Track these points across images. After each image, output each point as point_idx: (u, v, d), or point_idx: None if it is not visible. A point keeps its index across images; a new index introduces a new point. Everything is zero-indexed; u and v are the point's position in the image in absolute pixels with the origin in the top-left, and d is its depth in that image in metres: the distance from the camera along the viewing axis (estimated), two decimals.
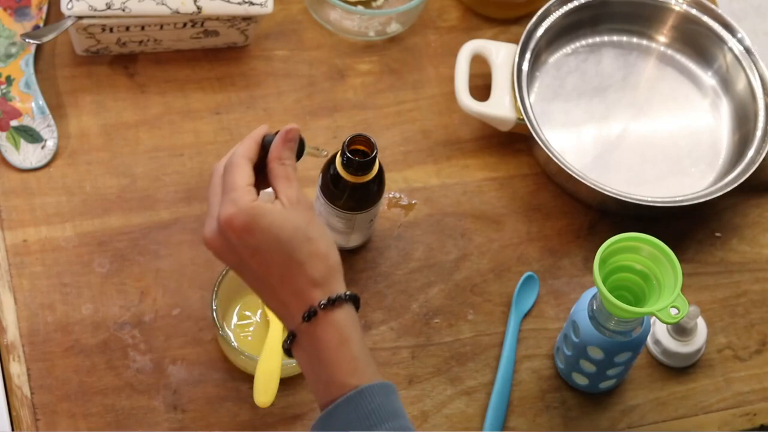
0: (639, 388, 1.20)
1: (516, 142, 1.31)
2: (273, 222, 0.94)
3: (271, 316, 1.15)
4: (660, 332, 1.21)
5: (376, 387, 0.94)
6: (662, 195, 1.25)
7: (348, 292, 0.96)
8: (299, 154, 1.01)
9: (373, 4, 1.36)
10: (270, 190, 0.99)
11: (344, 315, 0.95)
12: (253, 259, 0.95)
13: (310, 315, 0.95)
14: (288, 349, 0.98)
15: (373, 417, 0.93)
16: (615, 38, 1.38)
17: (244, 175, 0.96)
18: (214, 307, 1.12)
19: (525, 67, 1.30)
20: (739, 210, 1.31)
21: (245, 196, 0.95)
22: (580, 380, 1.18)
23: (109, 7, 1.20)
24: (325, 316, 0.95)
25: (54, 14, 1.29)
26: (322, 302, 0.95)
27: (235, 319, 1.16)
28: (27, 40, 1.24)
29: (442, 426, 1.16)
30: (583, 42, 1.37)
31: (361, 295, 1.19)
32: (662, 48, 1.38)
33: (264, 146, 0.99)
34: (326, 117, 1.30)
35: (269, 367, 1.10)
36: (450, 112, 1.32)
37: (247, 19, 1.26)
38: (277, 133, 1.00)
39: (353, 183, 1.12)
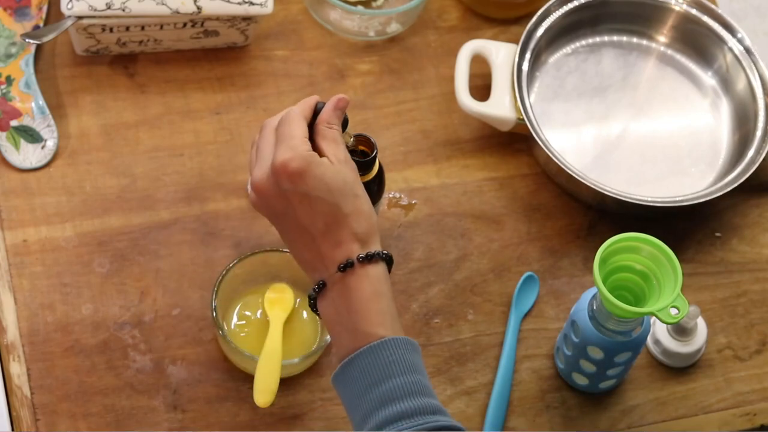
0: (639, 388, 1.20)
1: (516, 142, 1.31)
2: (325, 172, 0.97)
3: (271, 316, 1.16)
4: (660, 332, 1.21)
5: (400, 340, 0.96)
6: (662, 195, 1.25)
7: (385, 252, 0.99)
8: (343, 127, 1.04)
9: (373, 4, 1.36)
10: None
11: (379, 271, 0.98)
12: (301, 205, 0.97)
13: (347, 266, 0.97)
14: (314, 301, 1.00)
15: (392, 367, 0.95)
16: (615, 38, 1.38)
17: (301, 127, 0.99)
18: (214, 307, 1.12)
19: (525, 67, 1.30)
20: (739, 210, 1.31)
21: (302, 144, 0.98)
22: (580, 380, 1.18)
23: (109, 7, 1.20)
24: (361, 268, 0.97)
25: (54, 14, 1.29)
26: (360, 255, 0.97)
27: (235, 319, 1.17)
28: (27, 40, 1.24)
29: None
30: (583, 42, 1.37)
31: None
32: (662, 48, 1.38)
33: (315, 113, 1.03)
34: None
35: (269, 367, 1.10)
36: (450, 112, 1.32)
37: (247, 19, 1.26)
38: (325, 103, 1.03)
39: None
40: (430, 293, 1.22)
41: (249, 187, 1.01)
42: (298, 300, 1.17)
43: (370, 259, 0.97)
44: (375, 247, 0.99)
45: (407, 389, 0.94)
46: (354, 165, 1.01)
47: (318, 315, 1.01)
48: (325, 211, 0.97)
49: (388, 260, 0.99)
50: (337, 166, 0.98)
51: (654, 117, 1.34)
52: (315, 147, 1.00)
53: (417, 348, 0.97)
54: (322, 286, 0.99)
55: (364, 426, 0.94)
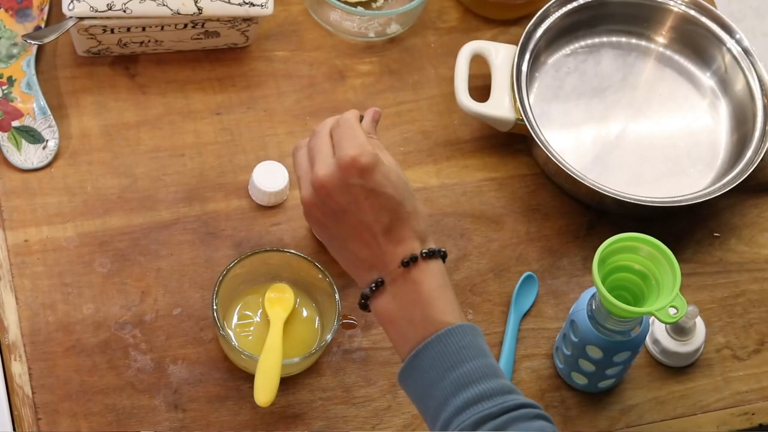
0: (638, 387, 1.21)
1: (515, 142, 1.31)
2: (390, 170, 1.00)
3: (271, 315, 1.16)
4: (659, 332, 1.21)
5: (466, 326, 0.98)
6: (661, 195, 1.26)
7: (442, 249, 1.01)
8: None
9: (373, 5, 1.36)
10: None
11: (439, 266, 1.00)
12: (367, 200, 0.99)
13: (411, 260, 0.99)
14: (365, 300, 1.01)
15: (464, 352, 0.97)
16: (614, 39, 1.38)
17: (361, 129, 1.01)
18: (215, 307, 1.12)
19: (524, 67, 1.30)
20: (737, 210, 1.31)
21: (369, 143, 1.00)
22: (580, 380, 1.18)
23: (110, 8, 1.21)
24: (424, 263, 1.00)
25: (55, 15, 1.29)
26: (423, 251, 0.99)
27: (235, 318, 1.17)
28: (28, 40, 1.24)
29: None
30: (582, 43, 1.38)
31: None
32: (661, 49, 1.39)
33: None
34: (326, 117, 1.30)
35: (270, 366, 1.11)
36: (449, 113, 1.32)
37: (247, 20, 1.26)
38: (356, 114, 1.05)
39: None
40: None
41: (305, 190, 1.02)
42: (298, 300, 1.17)
43: (431, 254, 1.00)
44: (432, 245, 1.01)
45: (481, 371, 0.96)
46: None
47: (367, 311, 1.02)
48: (390, 208, 0.99)
49: (444, 256, 1.01)
50: (397, 167, 1.01)
51: (653, 117, 1.35)
52: None
53: (480, 333, 1.00)
54: (380, 284, 1.00)
55: (441, 412, 0.95)
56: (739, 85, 1.34)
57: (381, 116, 1.06)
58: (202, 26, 1.26)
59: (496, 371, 0.97)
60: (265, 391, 1.10)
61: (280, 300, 1.17)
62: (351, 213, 1.00)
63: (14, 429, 1.12)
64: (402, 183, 1.00)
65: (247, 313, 1.17)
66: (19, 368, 1.13)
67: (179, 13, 1.23)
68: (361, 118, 1.05)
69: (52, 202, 1.21)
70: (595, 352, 1.13)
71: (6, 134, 1.23)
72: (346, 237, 1.01)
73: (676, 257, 1.07)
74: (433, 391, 0.96)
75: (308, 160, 1.03)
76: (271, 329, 1.14)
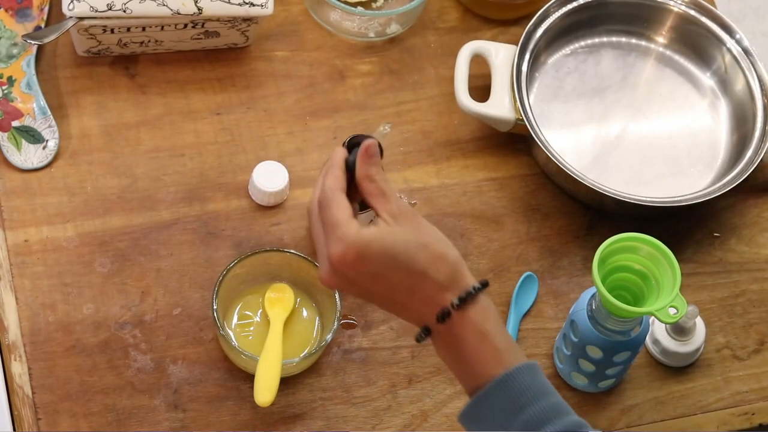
0: (638, 387, 1.21)
1: (515, 142, 1.31)
2: (383, 245, 0.94)
3: (271, 315, 1.16)
4: (659, 332, 1.21)
5: (522, 368, 0.95)
6: (661, 195, 1.26)
7: (476, 285, 0.96)
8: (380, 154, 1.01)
9: (373, 5, 1.36)
10: (369, 212, 1.00)
11: (479, 309, 0.96)
12: (375, 285, 0.95)
13: (444, 316, 0.95)
14: (418, 340, 0.98)
15: (523, 397, 0.93)
16: (614, 39, 1.39)
17: (342, 208, 0.96)
18: (215, 307, 1.12)
19: (524, 67, 1.30)
20: (737, 210, 1.31)
21: (349, 230, 0.94)
22: (580, 380, 1.18)
23: (110, 8, 1.21)
24: (460, 315, 0.95)
25: (55, 15, 1.29)
26: (454, 302, 0.95)
27: (235, 318, 1.17)
28: (28, 41, 1.24)
29: (442, 426, 1.16)
30: (582, 43, 1.38)
31: None
32: (661, 49, 1.39)
33: (348, 168, 0.99)
34: (326, 117, 1.30)
35: (269, 366, 1.11)
36: (450, 113, 1.32)
37: (247, 20, 1.26)
38: (350, 147, 1.00)
39: (354, 183, 1.12)
40: None
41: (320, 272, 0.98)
42: (298, 300, 1.18)
43: (465, 301, 0.95)
44: (465, 285, 0.96)
45: (546, 413, 0.93)
46: (410, 210, 0.97)
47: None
48: (400, 280, 0.95)
49: (484, 286, 0.97)
50: (393, 227, 0.95)
51: (653, 117, 1.35)
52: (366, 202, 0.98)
53: (537, 368, 0.96)
54: (427, 333, 0.97)
55: None
56: (739, 85, 1.34)
57: (376, 145, 0.98)
58: (202, 26, 1.26)
59: (561, 409, 0.94)
60: (264, 391, 1.10)
61: (280, 300, 1.17)
62: (371, 295, 0.97)
63: (14, 429, 1.12)
64: (402, 247, 0.94)
65: (247, 313, 1.17)
66: (19, 368, 1.13)
67: (179, 13, 1.23)
68: (357, 145, 0.99)
69: (52, 202, 1.21)
70: (595, 352, 1.13)
71: (6, 134, 1.23)
72: (381, 306, 0.99)
73: (676, 257, 1.07)
74: None
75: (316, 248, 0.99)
76: (271, 329, 1.14)
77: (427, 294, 0.95)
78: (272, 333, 1.14)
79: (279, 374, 1.11)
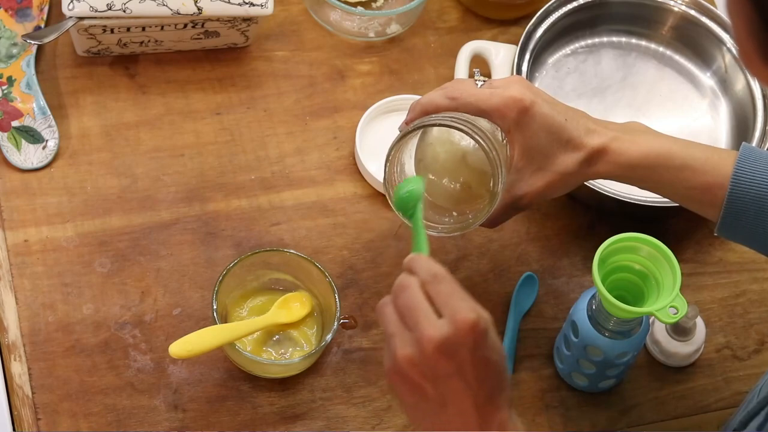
0: (638, 387, 1.21)
1: None
2: (497, 338, 0.91)
3: (273, 312, 1.16)
4: (659, 332, 1.21)
5: None
6: None
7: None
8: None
9: (373, 5, 1.36)
10: None
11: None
12: (474, 368, 0.89)
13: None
14: None
15: None
16: (614, 39, 1.39)
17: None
18: (215, 307, 1.12)
19: (524, 67, 1.30)
20: None
21: (477, 304, 0.90)
22: (580, 380, 1.18)
23: (110, 8, 1.21)
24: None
25: (55, 15, 1.29)
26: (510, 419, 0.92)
27: (236, 318, 1.17)
28: (28, 40, 1.24)
29: None
30: (583, 43, 1.38)
31: (361, 295, 1.20)
32: (661, 49, 1.39)
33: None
34: (326, 117, 1.30)
35: (213, 332, 1.10)
36: None
37: (247, 20, 1.26)
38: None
39: None
40: None
41: (403, 349, 0.90)
42: (314, 314, 1.17)
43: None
44: (507, 407, 0.93)
45: None
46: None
47: None
48: (494, 376, 0.91)
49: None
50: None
51: (653, 117, 1.35)
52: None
53: None
54: None
55: None
56: (739, 86, 1.34)
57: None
58: (202, 26, 1.26)
59: None
60: (182, 345, 1.08)
61: (290, 306, 1.16)
62: (455, 378, 0.89)
63: (14, 429, 1.12)
64: (502, 348, 0.91)
65: (245, 313, 1.17)
66: (18, 368, 1.13)
67: (179, 13, 1.23)
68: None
69: (52, 202, 1.21)
70: (595, 353, 1.13)
71: (6, 134, 1.23)
72: (445, 402, 0.90)
73: (676, 257, 1.07)
74: None
75: (400, 317, 0.91)
76: (261, 317, 1.14)
77: (500, 402, 0.91)
78: (258, 320, 1.14)
79: (209, 345, 1.09)
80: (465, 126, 1.03)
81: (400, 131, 1.06)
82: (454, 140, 1.09)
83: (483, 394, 0.90)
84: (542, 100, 1.07)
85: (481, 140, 1.03)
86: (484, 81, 1.09)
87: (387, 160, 1.06)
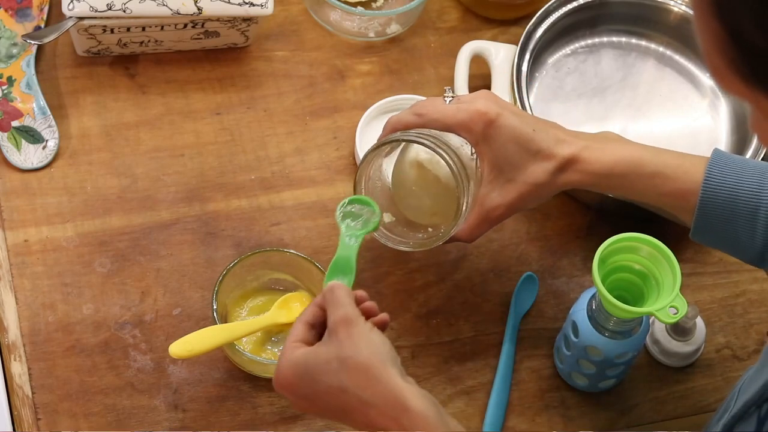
0: (638, 387, 1.21)
1: None
2: (307, 364, 0.95)
3: (273, 311, 1.16)
4: (659, 332, 1.21)
5: None
6: None
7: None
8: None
9: (373, 5, 1.36)
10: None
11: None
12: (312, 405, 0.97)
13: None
14: None
15: None
16: (614, 39, 1.39)
17: (294, 332, 0.98)
18: (215, 307, 1.12)
19: (524, 67, 1.30)
20: None
21: (283, 354, 0.97)
22: (580, 380, 1.18)
23: (110, 8, 1.21)
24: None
25: (55, 15, 1.29)
26: None
27: (236, 319, 1.17)
28: (28, 40, 1.24)
29: None
30: (583, 43, 1.38)
31: None
32: (661, 49, 1.39)
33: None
34: (326, 117, 1.30)
35: (213, 332, 1.10)
36: None
37: (247, 20, 1.26)
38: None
39: None
40: (429, 293, 1.22)
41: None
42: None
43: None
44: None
45: None
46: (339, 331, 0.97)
47: None
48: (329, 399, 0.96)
49: None
50: (318, 348, 0.96)
51: (653, 117, 1.35)
52: None
53: None
54: None
55: None
56: None
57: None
58: (202, 26, 1.26)
59: None
60: (183, 345, 1.09)
61: (291, 306, 1.16)
62: (314, 399, 0.96)
63: (14, 429, 1.12)
64: (324, 363, 0.95)
65: (245, 313, 1.17)
66: (18, 368, 1.13)
67: (179, 13, 1.23)
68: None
69: (52, 202, 1.21)
70: (595, 353, 1.13)
71: (6, 134, 1.23)
72: (344, 410, 0.95)
73: (676, 257, 1.07)
74: None
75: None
76: (262, 317, 1.14)
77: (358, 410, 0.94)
78: (259, 320, 1.14)
79: (208, 344, 1.09)
80: (428, 140, 1.06)
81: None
82: (425, 157, 1.11)
83: (358, 397, 0.93)
84: (509, 112, 1.08)
85: (444, 154, 1.06)
86: (452, 97, 1.10)
87: (355, 181, 1.10)
